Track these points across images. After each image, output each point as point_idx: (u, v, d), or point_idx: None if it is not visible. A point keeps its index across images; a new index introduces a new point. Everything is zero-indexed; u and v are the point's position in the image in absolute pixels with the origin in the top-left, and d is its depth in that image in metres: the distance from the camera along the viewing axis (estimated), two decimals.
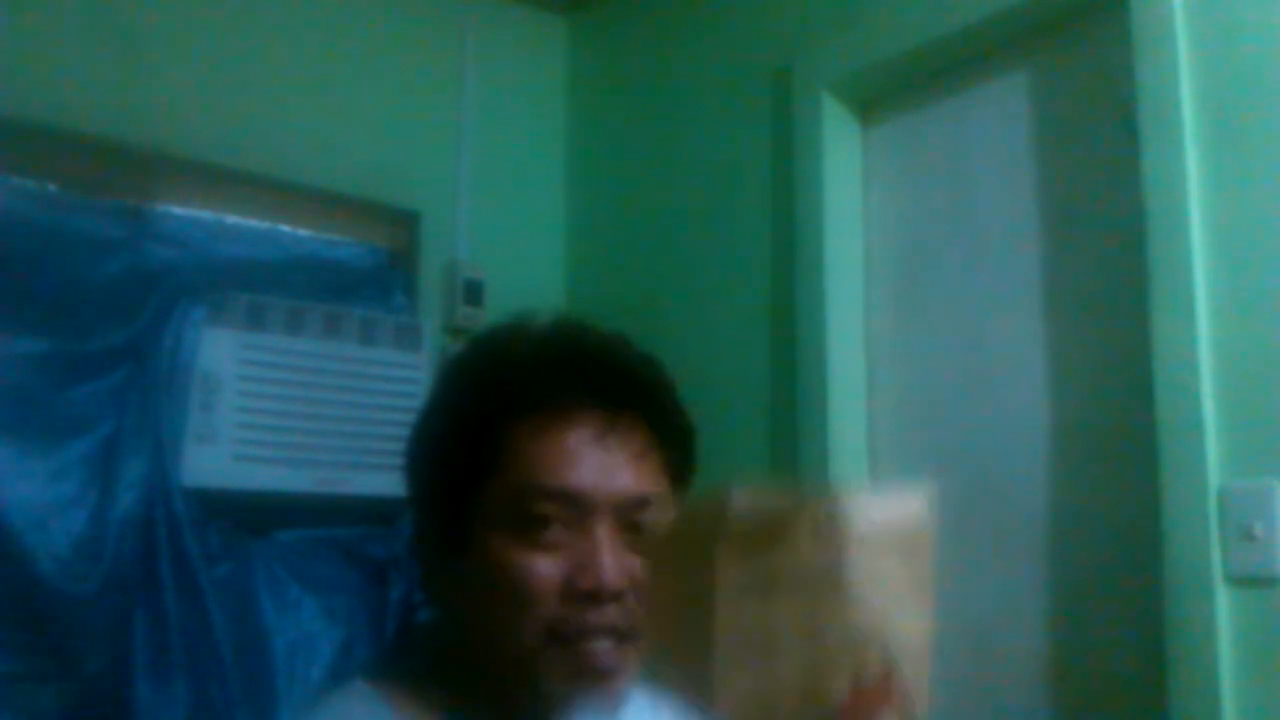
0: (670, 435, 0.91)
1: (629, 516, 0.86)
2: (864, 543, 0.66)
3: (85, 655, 1.90)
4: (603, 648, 0.83)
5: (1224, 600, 1.46)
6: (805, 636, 0.65)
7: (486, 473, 0.86)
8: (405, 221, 2.46)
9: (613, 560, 0.83)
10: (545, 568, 0.83)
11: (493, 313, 2.45)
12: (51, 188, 2.05)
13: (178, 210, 2.17)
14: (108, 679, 1.91)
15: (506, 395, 0.87)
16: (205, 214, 2.21)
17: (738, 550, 0.66)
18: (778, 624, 0.65)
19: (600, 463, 0.85)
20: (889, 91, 2.10)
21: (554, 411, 0.85)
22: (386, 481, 2.19)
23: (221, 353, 2.09)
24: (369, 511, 2.23)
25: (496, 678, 0.85)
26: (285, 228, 2.31)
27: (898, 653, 0.66)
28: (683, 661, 0.68)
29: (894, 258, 2.08)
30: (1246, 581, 1.46)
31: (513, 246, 2.60)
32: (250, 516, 2.12)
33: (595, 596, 0.82)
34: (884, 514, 0.68)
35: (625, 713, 0.64)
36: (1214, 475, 1.49)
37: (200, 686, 1.97)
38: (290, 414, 2.14)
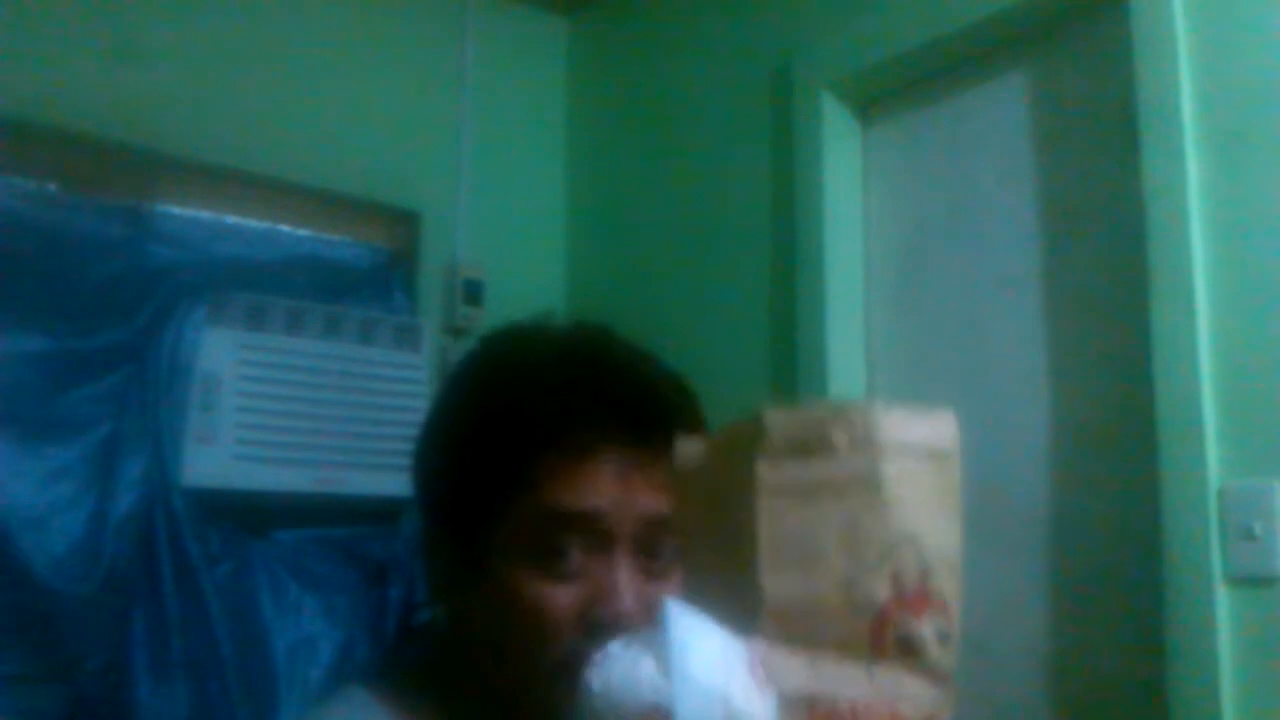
0: None
1: (648, 540, 0.84)
2: (900, 450, 0.68)
3: (85, 655, 1.90)
4: None
5: (1224, 600, 1.46)
6: (845, 541, 0.67)
7: (507, 497, 0.84)
8: (405, 221, 2.46)
9: (631, 588, 0.82)
10: (563, 598, 0.82)
11: (493, 313, 2.46)
12: (51, 188, 2.05)
13: (178, 210, 2.17)
14: (108, 679, 1.91)
15: (534, 426, 0.84)
16: (205, 214, 2.21)
17: (776, 462, 0.68)
18: (818, 530, 0.67)
19: (623, 490, 0.83)
20: (889, 91, 2.10)
21: (579, 444, 0.83)
22: (386, 481, 2.21)
23: (221, 353, 2.08)
24: (369, 511, 2.23)
25: (503, 701, 0.84)
26: (285, 228, 2.31)
27: (931, 560, 0.67)
28: (728, 573, 0.69)
29: (894, 258, 2.08)
30: (1246, 581, 1.46)
31: (513, 246, 2.60)
32: (250, 516, 2.12)
33: (613, 626, 0.80)
34: (917, 427, 0.70)
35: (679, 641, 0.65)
36: (1214, 475, 1.49)
37: (200, 686, 1.97)
38: (290, 414, 2.14)
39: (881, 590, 0.66)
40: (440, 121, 2.56)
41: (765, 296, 2.19)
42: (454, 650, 0.89)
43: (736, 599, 0.68)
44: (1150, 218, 1.58)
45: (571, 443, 0.83)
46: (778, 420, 0.68)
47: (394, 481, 2.22)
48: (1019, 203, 1.88)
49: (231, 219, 2.24)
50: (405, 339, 2.31)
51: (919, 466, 0.69)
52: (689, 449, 0.73)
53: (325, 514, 2.21)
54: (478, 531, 0.85)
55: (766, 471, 0.67)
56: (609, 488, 0.83)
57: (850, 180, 2.13)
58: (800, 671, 0.66)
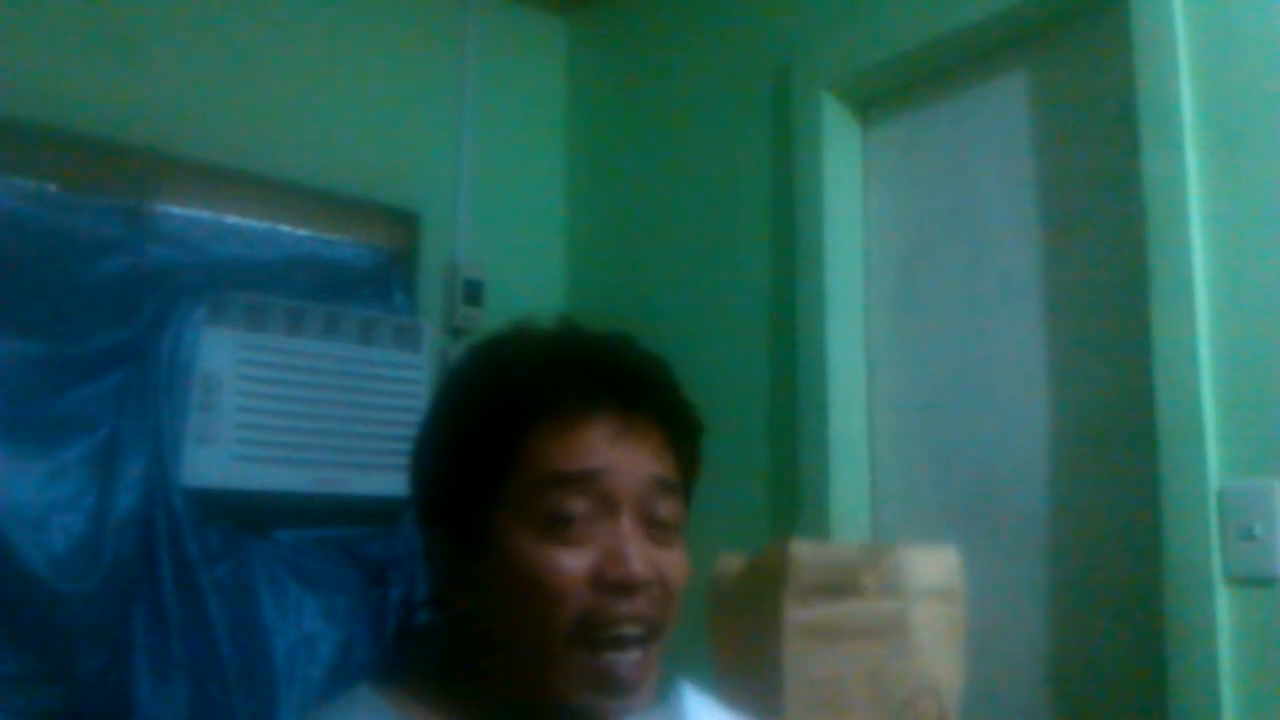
0: (683, 433, 0.91)
1: (651, 506, 0.86)
2: (922, 593, 0.71)
3: (85, 655, 1.90)
4: (629, 659, 0.82)
5: (1224, 600, 1.46)
6: (871, 686, 0.69)
7: (505, 474, 0.85)
8: (405, 221, 2.46)
9: (639, 550, 0.83)
10: (571, 561, 0.82)
11: (492, 313, 2.46)
12: (51, 188, 2.05)
13: (178, 210, 2.17)
14: (108, 679, 1.91)
15: (525, 397, 0.86)
16: (205, 214, 2.21)
17: (803, 599, 0.70)
18: (844, 670, 0.69)
19: (621, 455, 0.85)
20: (889, 91, 2.10)
21: (573, 412, 0.85)
22: (386, 481, 2.21)
23: (221, 353, 2.09)
24: (369, 511, 2.23)
25: (514, 682, 0.84)
26: (285, 228, 2.31)
27: (946, 705, 0.70)
28: (754, 707, 0.69)
29: (894, 258, 2.08)
30: (1246, 581, 1.46)
31: (513, 246, 2.60)
32: (250, 516, 2.12)
33: (624, 586, 0.82)
34: (933, 568, 0.72)
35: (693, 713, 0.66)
36: (1214, 475, 1.49)
37: (200, 686, 1.97)
38: (290, 414, 2.14)
39: None
40: (440, 121, 2.56)
41: (765, 296, 2.19)
42: (463, 647, 0.89)
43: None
44: (1150, 217, 1.58)
45: (563, 409, 0.85)
46: (804, 555, 0.70)
47: (394, 481, 2.20)
48: (1019, 203, 1.88)
49: (231, 219, 2.24)
50: (405, 339, 2.31)
51: (937, 608, 0.72)
52: (726, 564, 0.75)
53: (325, 514, 2.21)
54: (479, 516, 0.86)
55: (792, 610, 0.70)
56: (605, 449, 0.85)
57: (850, 180, 2.13)
58: None
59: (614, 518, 0.84)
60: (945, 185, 2.01)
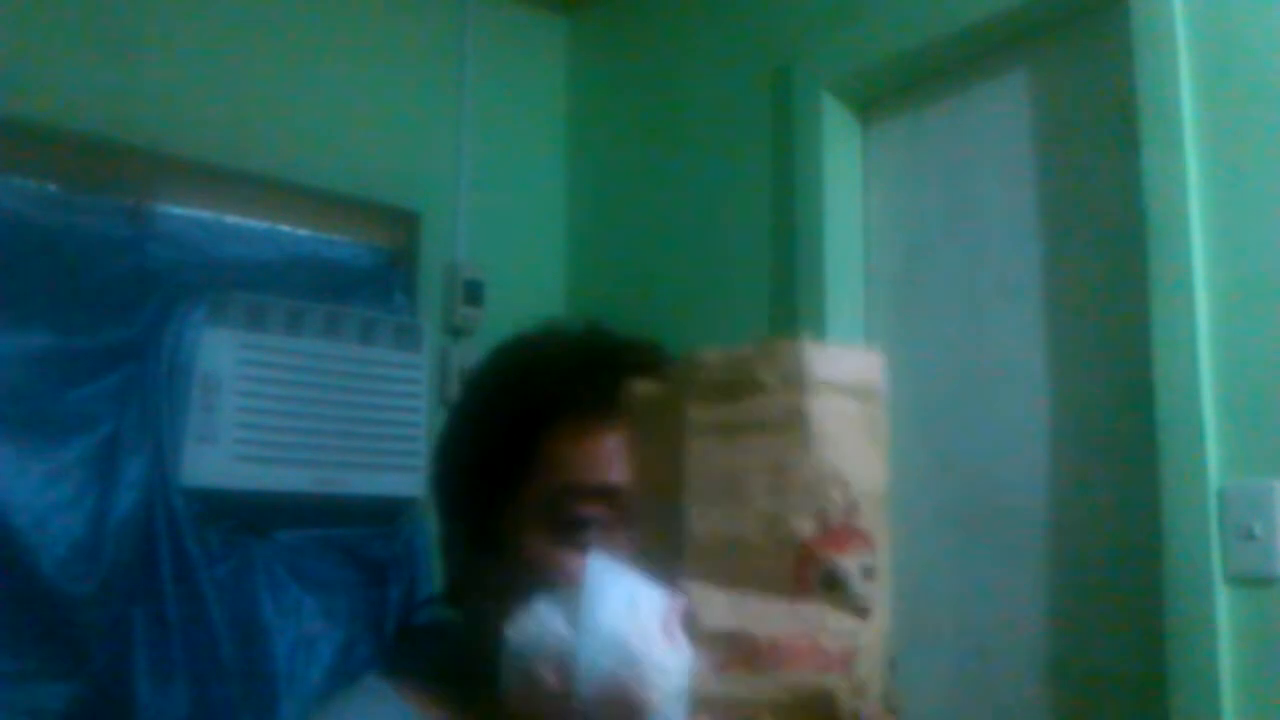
0: None
1: None
2: (828, 388, 0.69)
3: (85, 655, 1.90)
4: None
5: (1224, 600, 1.46)
6: (771, 479, 0.67)
7: (525, 474, 0.85)
8: (405, 221, 2.46)
9: None
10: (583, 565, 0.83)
11: (493, 313, 2.46)
12: (51, 188, 2.05)
13: (178, 210, 2.17)
14: (108, 679, 1.91)
15: (546, 397, 0.86)
16: (205, 214, 2.21)
17: (707, 401, 0.69)
18: (746, 465, 0.68)
19: None
20: (889, 91, 2.10)
21: (593, 415, 0.85)
22: (386, 481, 2.21)
23: (221, 353, 2.09)
24: (369, 511, 2.24)
25: None
26: (285, 228, 2.31)
27: (858, 496, 0.68)
28: (666, 512, 0.70)
29: (894, 258, 2.08)
30: (1246, 581, 1.46)
31: (513, 246, 2.60)
32: (250, 516, 2.12)
33: None
34: (845, 365, 0.71)
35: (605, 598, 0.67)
36: (1214, 475, 1.49)
37: (200, 686, 1.97)
38: (290, 414, 2.14)
39: (805, 527, 0.67)
40: (440, 121, 2.56)
41: (765, 296, 2.19)
42: (473, 645, 0.89)
43: (671, 538, 0.69)
44: (1150, 217, 1.58)
45: (585, 414, 0.85)
46: (708, 360, 0.70)
47: (394, 481, 2.22)
48: (1019, 203, 1.88)
49: (231, 219, 2.24)
50: (405, 339, 2.31)
51: (847, 404, 0.69)
52: (639, 389, 0.74)
53: (325, 514, 2.21)
54: (496, 516, 0.86)
55: (695, 411, 0.69)
56: (624, 458, 0.84)
57: (850, 180, 2.13)
58: (722, 609, 0.67)
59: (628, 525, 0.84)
60: (945, 185, 2.01)
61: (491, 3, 2.67)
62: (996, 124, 1.93)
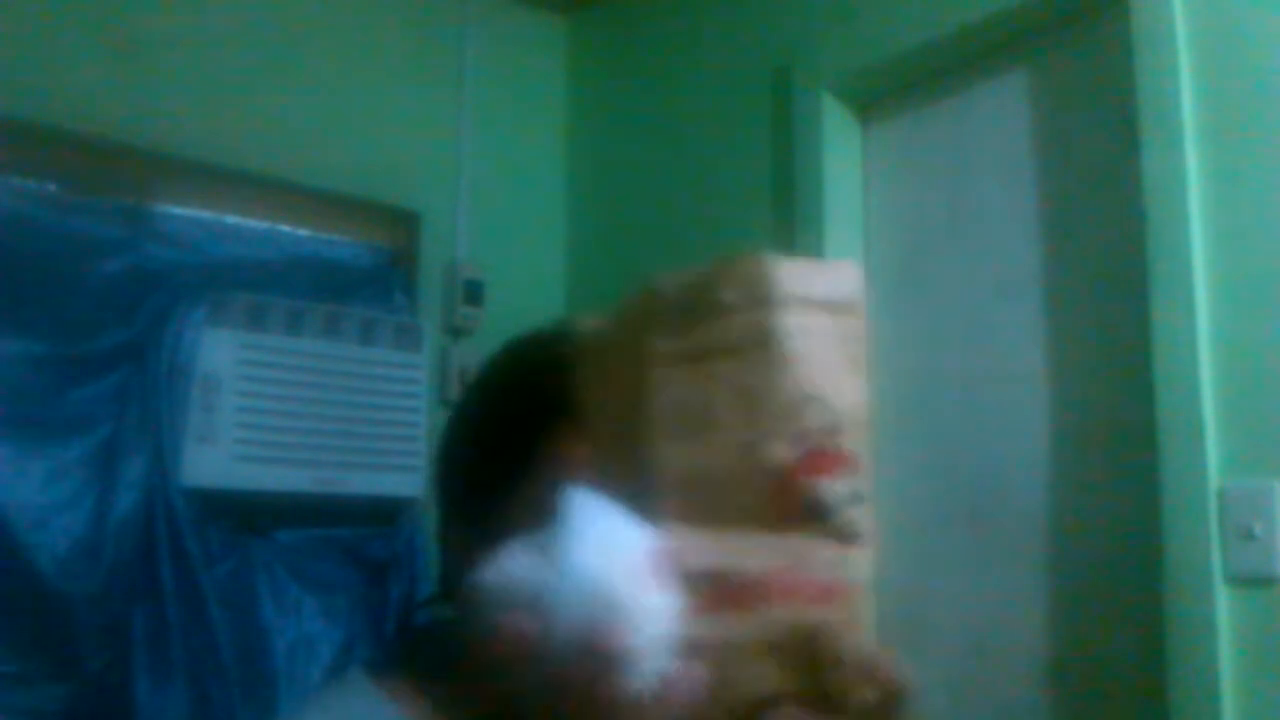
0: None
1: None
2: (798, 304, 0.63)
3: (85, 655, 1.90)
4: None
5: (1224, 600, 1.46)
6: (741, 403, 0.62)
7: (523, 475, 0.85)
8: (405, 221, 2.46)
9: None
10: None
11: (493, 313, 2.46)
12: (51, 188, 2.05)
13: (178, 210, 2.17)
14: (108, 679, 1.91)
15: (548, 399, 0.86)
16: (205, 214, 2.21)
17: (667, 328, 0.64)
18: (712, 394, 0.63)
19: None
20: (889, 91, 2.10)
21: None
22: (386, 481, 2.21)
23: (221, 353, 2.09)
24: (369, 511, 2.23)
25: (513, 681, 0.84)
26: (285, 228, 2.31)
27: (840, 417, 0.62)
28: (627, 451, 0.65)
29: (894, 258, 2.08)
30: (1246, 581, 1.46)
31: (513, 246, 2.60)
32: (250, 516, 2.12)
33: None
34: (816, 279, 0.65)
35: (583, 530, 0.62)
36: (1214, 475, 1.49)
37: (200, 686, 1.97)
38: (290, 414, 2.14)
39: (782, 452, 0.62)
40: (440, 121, 2.56)
41: None
42: (463, 643, 0.89)
43: (643, 478, 0.64)
44: (1150, 217, 1.58)
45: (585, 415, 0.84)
46: (669, 284, 0.65)
47: (394, 481, 2.22)
48: (1019, 203, 1.88)
49: (231, 219, 2.24)
50: (405, 339, 2.31)
51: (819, 320, 0.64)
52: (588, 325, 0.69)
53: (325, 514, 2.21)
54: (494, 514, 0.86)
55: (656, 341, 0.64)
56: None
57: (850, 180, 2.13)
58: (704, 549, 0.62)
59: None
60: (945, 185, 2.01)
61: (491, 3, 2.67)
62: (996, 124, 1.93)
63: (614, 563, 0.60)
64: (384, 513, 2.24)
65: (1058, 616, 1.74)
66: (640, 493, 0.63)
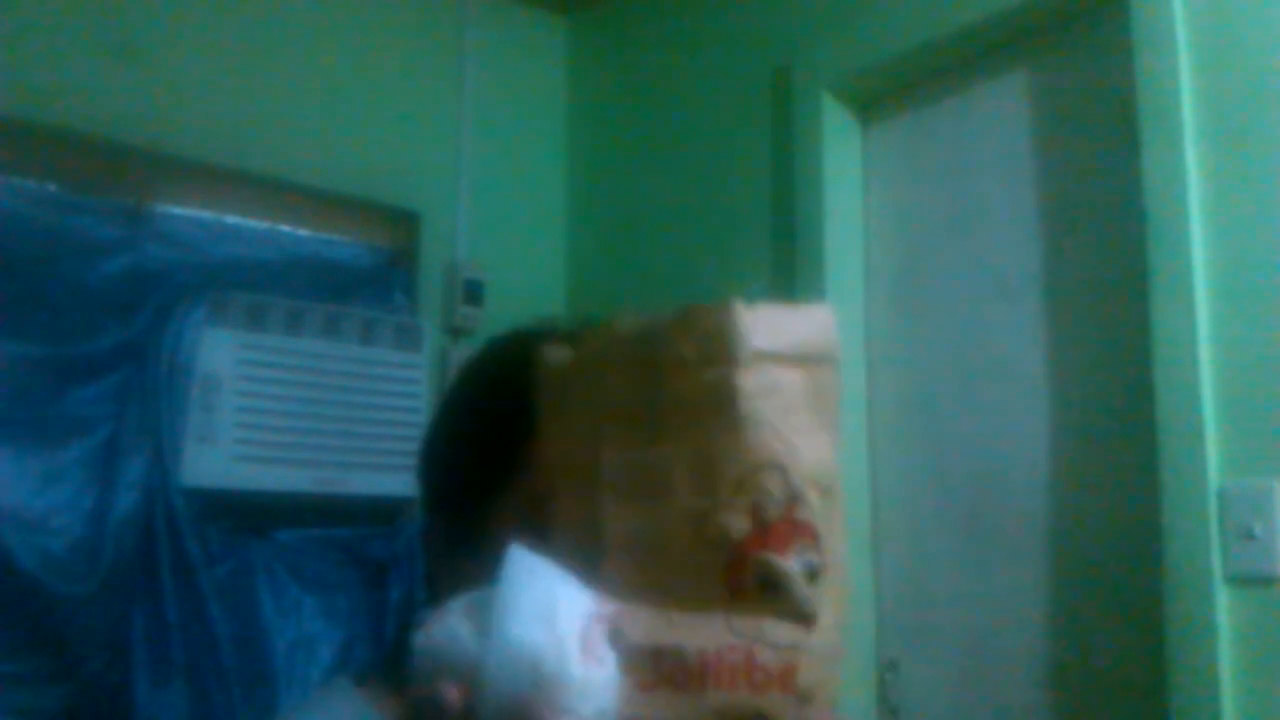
0: None
1: None
2: (761, 357, 0.59)
3: (85, 655, 1.90)
4: None
5: (1224, 600, 1.46)
6: (697, 466, 0.59)
7: (507, 476, 0.84)
8: (405, 221, 2.46)
9: None
10: None
11: (493, 313, 2.46)
12: (51, 188, 2.05)
13: (178, 210, 2.17)
14: (108, 679, 1.91)
15: (529, 395, 0.86)
16: (205, 214, 2.21)
17: (624, 377, 0.61)
18: (668, 453, 0.59)
19: None
20: (889, 91, 2.10)
21: None
22: (386, 481, 2.21)
23: (221, 353, 2.08)
24: (369, 511, 2.23)
25: None
26: (285, 228, 2.31)
27: (800, 485, 0.59)
28: (577, 494, 0.62)
29: (894, 258, 2.08)
30: (1246, 581, 1.45)
31: (513, 246, 2.60)
32: (250, 516, 2.12)
33: None
34: (785, 329, 0.61)
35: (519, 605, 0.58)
36: (1214, 475, 1.49)
37: (200, 686, 1.97)
38: (290, 414, 2.14)
39: (738, 525, 0.58)
40: (440, 121, 2.56)
41: (765, 296, 2.18)
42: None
43: (590, 532, 0.61)
44: (1150, 217, 1.58)
45: None
46: (624, 329, 0.61)
47: (394, 481, 2.22)
48: (1019, 203, 1.88)
49: (231, 219, 2.24)
50: (405, 339, 2.31)
51: (788, 375, 0.60)
52: (550, 356, 0.65)
53: (325, 514, 2.21)
54: (478, 513, 0.85)
55: (611, 390, 0.61)
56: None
57: (850, 180, 2.13)
58: (650, 622, 0.59)
59: None
60: (945, 185, 2.01)
61: (491, 3, 2.67)
62: (996, 124, 1.93)
63: (551, 631, 0.57)
64: (384, 513, 2.24)
65: (1058, 617, 1.74)
66: (587, 550, 0.60)
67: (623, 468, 0.60)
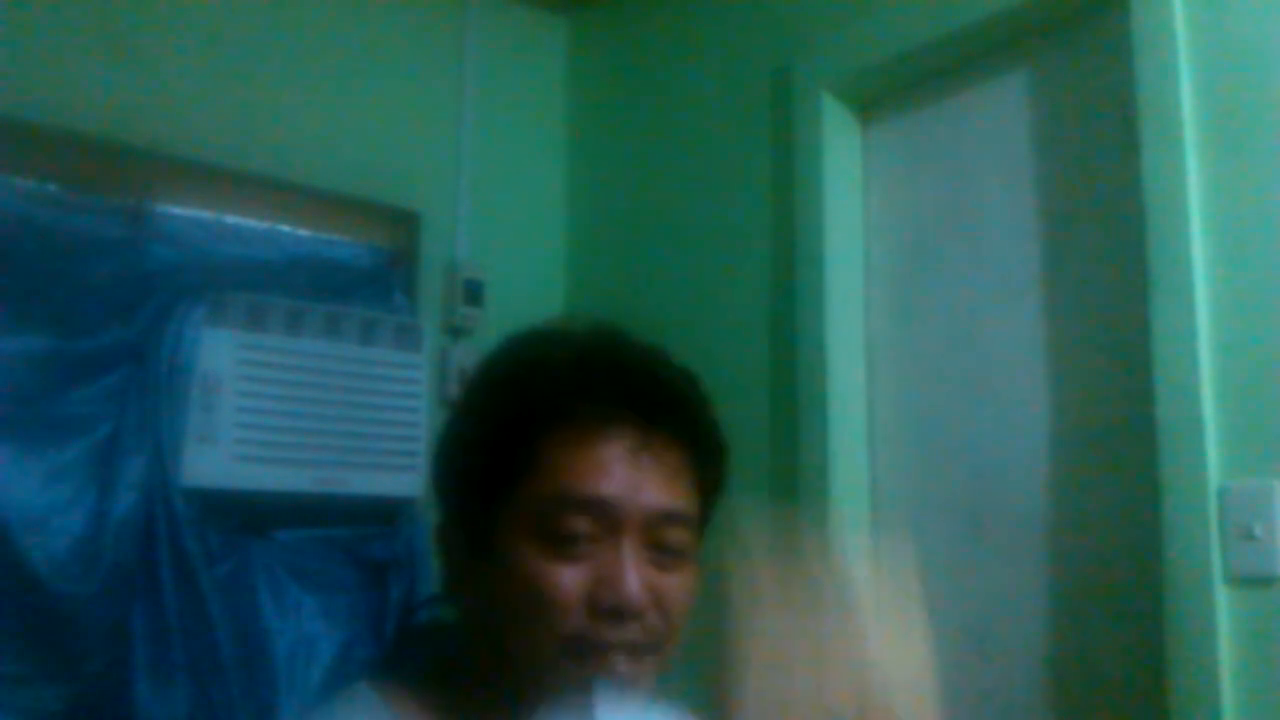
0: (705, 454, 0.90)
1: (657, 533, 0.85)
2: (865, 571, 0.72)
3: (85, 655, 1.90)
4: (618, 661, 0.82)
5: (1224, 600, 1.46)
6: (815, 651, 0.68)
7: (518, 479, 0.85)
8: (405, 221, 2.46)
9: (636, 576, 0.82)
10: (569, 579, 0.82)
11: (493, 313, 2.46)
12: (51, 188, 2.05)
13: (178, 210, 2.17)
14: (108, 679, 1.91)
15: (543, 401, 0.85)
16: (205, 214, 2.21)
17: (759, 568, 0.71)
18: (791, 636, 0.69)
19: (632, 476, 0.84)
20: (889, 91, 2.10)
21: (590, 422, 0.84)
22: (386, 481, 2.21)
23: (221, 353, 2.08)
24: (369, 511, 2.23)
25: (509, 684, 0.84)
26: (285, 228, 2.31)
27: (898, 684, 0.72)
28: (704, 672, 0.71)
29: (894, 258, 2.08)
30: (1246, 581, 1.46)
31: (513, 246, 2.60)
32: (250, 516, 2.12)
33: (617, 613, 0.81)
34: (881, 551, 0.75)
35: None
36: (1214, 475, 1.49)
37: (200, 686, 1.97)
38: (290, 414, 2.14)
39: (846, 708, 0.69)
40: (440, 121, 2.56)
41: (765, 296, 2.19)
42: (463, 645, 0.89)
43: (715, 693, 0.70)
44: (1150, 217, 1.58)
45: (579, 419, 0.84)
46: (755, 521, 0.72)
47: (394, 481, 2.22)
48: (1019, 203, 1.88)
49: (231, 219, 2.24)
50: (405, 339, 2.31)
51: (884, 590, 0.73)
52: (686, 541, 0.79)
53: (325, 514, 2.21)
54: (488, 517, 0.86)
55: (744, 573, 0.71)
56: (617, 469, 0.84)
57: (850, 180, 2.13)
58: None
59: (616, 540, 0.83)
60: (945, 185, 2.01)
61: (491, 3, 2.67)
62: (996, 124, 1.93)
63: None
64: (384, 513, 2.24)
65: (1058, 616, 1.74)
66: (715, 701, 0.70)
67: (753, 640, 0.71)
